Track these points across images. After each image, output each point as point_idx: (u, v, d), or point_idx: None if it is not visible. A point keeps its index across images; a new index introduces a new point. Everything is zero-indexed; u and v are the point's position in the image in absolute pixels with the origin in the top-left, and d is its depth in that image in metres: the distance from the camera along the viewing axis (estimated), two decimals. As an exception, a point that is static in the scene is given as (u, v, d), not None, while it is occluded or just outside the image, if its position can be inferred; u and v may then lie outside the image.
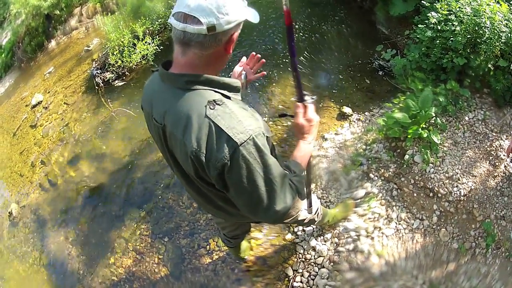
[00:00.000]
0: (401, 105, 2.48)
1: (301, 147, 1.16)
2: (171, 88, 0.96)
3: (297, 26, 3.56)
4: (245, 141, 0.88)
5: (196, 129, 0.90)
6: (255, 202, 0.95)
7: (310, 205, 1.57)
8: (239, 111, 0.92)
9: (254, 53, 1.40)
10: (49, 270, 2.65)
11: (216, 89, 0.94)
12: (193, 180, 1.06)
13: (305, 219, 1.62)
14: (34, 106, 4.11)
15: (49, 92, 4.21)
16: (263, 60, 1.41)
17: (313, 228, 2.24)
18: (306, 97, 1.17)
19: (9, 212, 3.16)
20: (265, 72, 1.46)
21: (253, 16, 0.98)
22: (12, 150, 3.82)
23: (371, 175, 2.38)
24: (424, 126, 2.34)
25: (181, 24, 0.87)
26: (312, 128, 1.17)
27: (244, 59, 1.42)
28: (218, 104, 0.90)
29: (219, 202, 1.15)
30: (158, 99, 1.02)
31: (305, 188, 1.17)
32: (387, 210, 2.22)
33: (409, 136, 2.32)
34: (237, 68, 1.40)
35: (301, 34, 3.51)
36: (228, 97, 0.96)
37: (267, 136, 1.02)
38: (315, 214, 1.66)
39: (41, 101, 4.12)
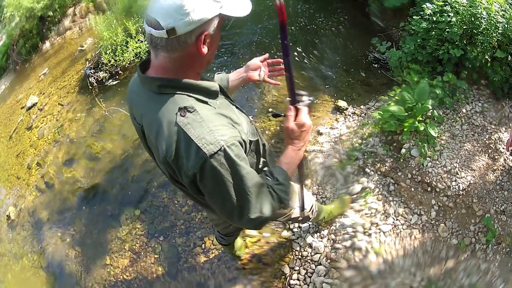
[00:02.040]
0: (397, 98, 2.44)
1: (289, 153, 1.09)
2: (147, 91, 0.94)
3: (291, 18, 3.50)
4: (215, 152, 0.84)
5: (166, 136, 0.87)
6: (229, 210, 0.93)
7: (303, 207, 1.53)
8: (212, 119, 0.88)
9: (281, 60, 1.31)
10: (47, 272, 2.65)
11: (190, 94, 0.91)
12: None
13: (299, 217, 1.59)
14: (29, 108, 4.09)
15: (43, 93, 4.18)
16: (285, 72, 1.35)
17: (309, 225, 2.21)
18: (304, 98, 1.09)
19: (7, 215, 3.15)
20: (280, 83, 1.35)
21: (235, 9, 0.87)
22: (9, 153, 3.81)
23: (367, 170, 2.34)
24: (420, 119, 2.30)
25: (147, 27, 0.84)
26: (303, 133, 1.08)
27: (267, 55, 1.35)
28: (189, 111, 0.87)
29: (202, 201, 1.12)
30: (137, 101, 1.01)
31: (289, 196, 1.09)
32: (384, 206, 2.18)
33: (405, 130, 2.27)
34: (256, 61, 1.33)
35: (295, 26, 3.46)
36: (205, 102, 0.92)
37: (250, 140, 0.98)
38: (309, 211, 1.63)
39: (36, 103, 4.10)
